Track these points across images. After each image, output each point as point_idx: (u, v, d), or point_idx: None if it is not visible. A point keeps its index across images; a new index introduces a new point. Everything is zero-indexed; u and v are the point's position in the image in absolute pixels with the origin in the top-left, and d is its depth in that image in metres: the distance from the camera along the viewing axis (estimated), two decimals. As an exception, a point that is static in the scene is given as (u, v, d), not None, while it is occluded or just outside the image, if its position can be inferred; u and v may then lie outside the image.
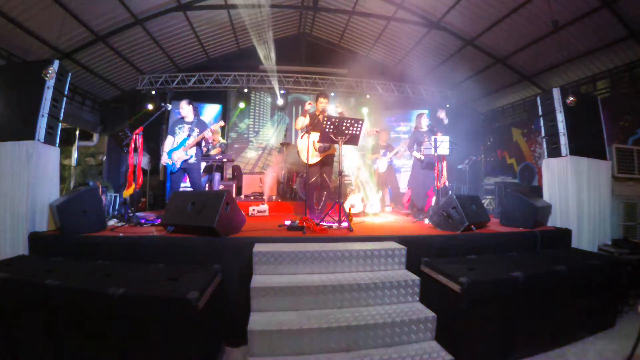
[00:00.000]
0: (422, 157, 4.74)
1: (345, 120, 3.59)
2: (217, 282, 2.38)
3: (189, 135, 4.21)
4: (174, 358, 1.91)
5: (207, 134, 4.19)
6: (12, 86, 3.24)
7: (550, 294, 2.53)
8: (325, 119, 3.61)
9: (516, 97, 9.24)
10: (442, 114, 5.05)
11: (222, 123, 4.61)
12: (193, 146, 4.22)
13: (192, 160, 4.24)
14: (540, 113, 4.29)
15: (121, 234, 2.98)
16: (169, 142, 4.26)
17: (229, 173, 8.46)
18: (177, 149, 4.18)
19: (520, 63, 7.91)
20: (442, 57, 8.94)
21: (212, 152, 5.77)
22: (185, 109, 4.31)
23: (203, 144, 4.43)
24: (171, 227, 3.03)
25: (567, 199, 3.87)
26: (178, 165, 4.18)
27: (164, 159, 4.24)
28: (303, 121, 4.40)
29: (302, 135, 4.45)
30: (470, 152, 8.03)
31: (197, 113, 4.51)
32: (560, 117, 4.00)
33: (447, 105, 9.72)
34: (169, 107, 4.67)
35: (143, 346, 1.92)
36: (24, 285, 2.07)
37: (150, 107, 8.39)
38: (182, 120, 4.35)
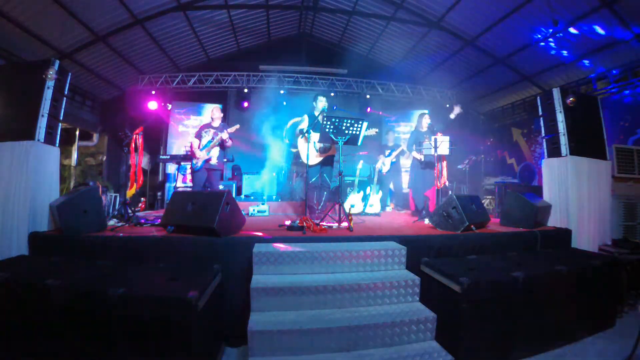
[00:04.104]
0: (422, 158, 4.75)
1: (345, 120, 3.59)
2: (217, 282, 2.38)
3: (212, 139, 4.61)
4: (174, 358, 1.91)
5: (225, 135, 4.53)
6: (12, 86, 3.24)
7: (550, 294, 2.53)
8: (326, 119, 3.61)
9: (516, 97, 9.23)
10: (457, 110, 5.06)
11: (237, 126, 4.77)
12: (213, 147, 4.58)
13: (214, 162, 4.63)
14: (540, 113, 4.29)
15: (121, 234, 2.98)
16: (195, 145, 4.65)
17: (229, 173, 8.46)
18: (202, 150, 4.57)
19: (520, 63, 7.91)
20: (442, 57, 8.93)
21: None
22: (218, 114, 4.78)
23: (225, 149, 4.82)
24: (171, 227, 3.03)
25: (567, 199, 3.86)
26: (199, 165, 4.55)
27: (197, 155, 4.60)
28: (299, 124, 4.46)
29: (303, 136, 4.45)
30: (470, 152, 8.03)
31: (223, 119, 4.96)
32: (560, 117, 4.00)
33: (447, 105, 9.71)
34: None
35: (143, 346, 1.92)
36: (24, 285, 2.07)
37: (153, 105, 8.38)
38: (209, 125, 4.76)
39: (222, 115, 4.84)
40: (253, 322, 2.07)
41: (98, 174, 9.17)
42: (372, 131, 4.65)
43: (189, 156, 4.77)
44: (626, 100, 6.43)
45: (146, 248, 2.77)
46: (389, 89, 9.49)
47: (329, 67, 9.43)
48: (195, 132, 4.85)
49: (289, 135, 6.11)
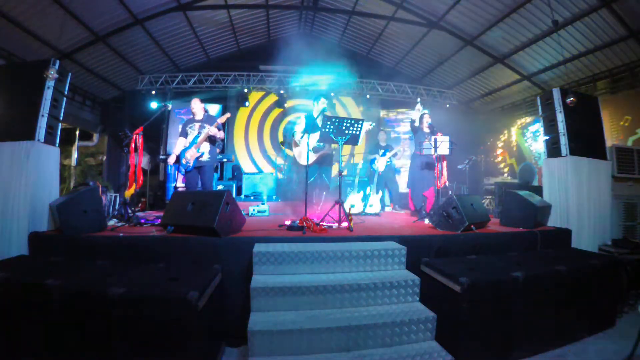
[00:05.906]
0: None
1: (345, 120, 3.59)
2: (217, 282, 2.37)
3: (199, 133, 4.26)
4: (174, 358, 1.91)
5: (212, 129, 4.18)
6: (12, 86, 3.24)
7: (550, 294, 2.53)
8: (325, 119, 3.61)
9: (516, 97, 9.25)
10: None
11: (228, 115, 4.49)
12: (203, 141, 4.21)
13: (205, 157, 4.25)
14: (540, 113, 4.29)
15: (121, 234, 2.98)
16: (180, 144, 4.29)
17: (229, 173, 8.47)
18: (189, 147, 4.22)
19: (520, 63, 7.91)
20: (442, 57, 8.94)
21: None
22: (197, 106, 4.39)
23: (216, 142, 4.43)
24: (171, 227, 3.03)
25: (567, 199, 3.86)
26: (192, 164, 4.21)
27: (171, 160, 4.30)
28: (299, 128, 4.43)
29: (302, 136, 4.45)
30: (470, 152, 8.03)
31: (206, 110, 4.56)
32: (560, 117, 4.00)
33: (447, 105, 9.72)
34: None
35: (143, 346, 1.91)
36: (24, 285, 2.07)
37: (154, 105, 8.37)
38: (192, 119, 4.40)
39: (202, 106, 4.44)
40: (253, 322, 2.07)
41: (98, 174, 9.19)
42: (367, 124, 4.59)
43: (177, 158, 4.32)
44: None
45: (146, 248, 2.76)
46: (389, 89, 9.50)
47: (328, 67, 9.43)
48: (180, 131, 4.44)
49: (286, 135, 6.07)
